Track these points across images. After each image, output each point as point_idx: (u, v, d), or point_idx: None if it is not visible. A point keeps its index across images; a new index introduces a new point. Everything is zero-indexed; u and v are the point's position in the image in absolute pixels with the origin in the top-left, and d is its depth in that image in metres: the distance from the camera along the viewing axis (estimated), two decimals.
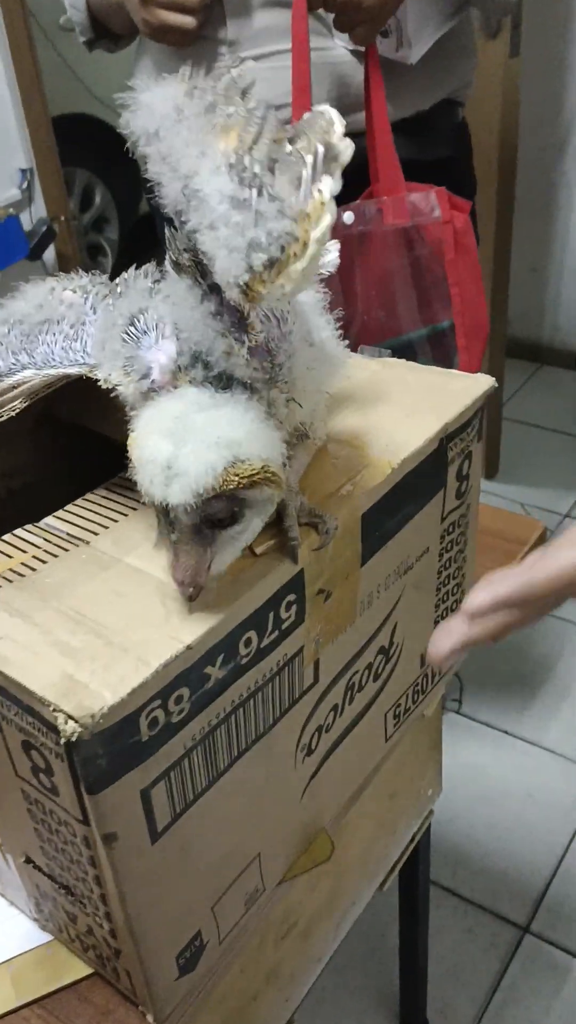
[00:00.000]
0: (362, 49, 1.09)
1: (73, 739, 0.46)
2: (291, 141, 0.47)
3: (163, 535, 0.51)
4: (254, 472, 0.49)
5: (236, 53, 1.11)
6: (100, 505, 0.61)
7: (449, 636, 0.51)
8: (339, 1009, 1.43)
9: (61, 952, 0.67)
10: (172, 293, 0.53)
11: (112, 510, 0.60)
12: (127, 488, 0.60)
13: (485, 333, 1.21)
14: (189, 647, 0.50)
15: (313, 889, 0.79)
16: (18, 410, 0.62)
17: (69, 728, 0.46)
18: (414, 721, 0.83)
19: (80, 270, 0.65)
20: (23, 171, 2.03)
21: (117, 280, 0.60)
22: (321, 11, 1.06)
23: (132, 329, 0.54)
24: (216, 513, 0.49)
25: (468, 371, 1.21)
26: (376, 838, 0.94)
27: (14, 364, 0.61)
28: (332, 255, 0.64)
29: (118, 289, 0.60)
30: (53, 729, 0.47)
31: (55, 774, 0.50)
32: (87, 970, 0.66)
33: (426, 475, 0.66)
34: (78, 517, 0.60)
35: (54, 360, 0.60)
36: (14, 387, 0.63)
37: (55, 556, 0.57)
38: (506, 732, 1.83)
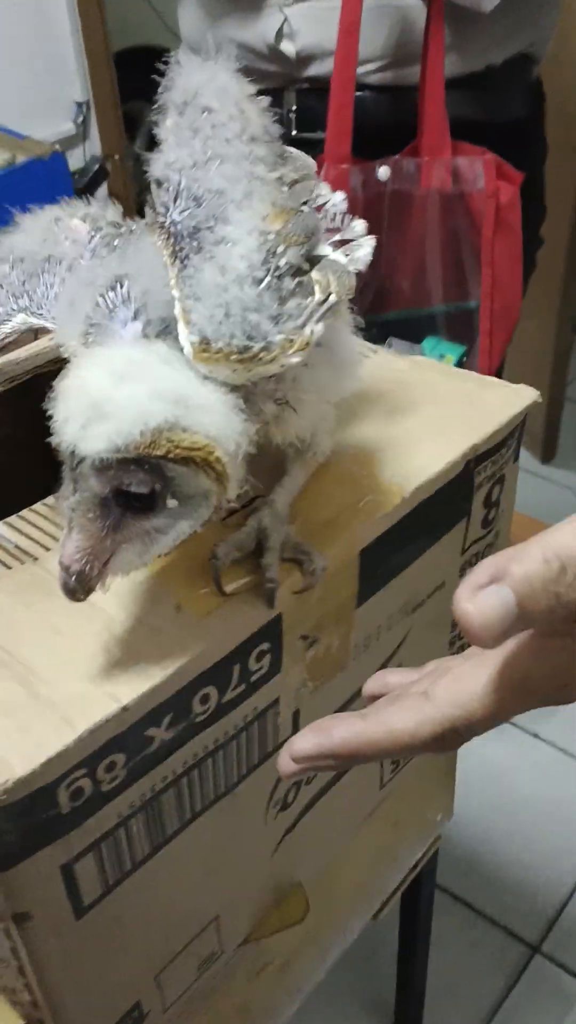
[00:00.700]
0: None
1: None
2: (311, 262, 0.45)
3: (61, 500, 0.42)
4: (194, 446, 0.40)
5: None
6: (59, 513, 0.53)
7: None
8: (329, 1011, 1.37)
9: None
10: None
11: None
12: None
13: (514, 319, 1.10)
14: (125, 708, 0.42)
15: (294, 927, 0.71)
16: None
17: None
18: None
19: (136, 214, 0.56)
20: (79, 104, 1.93)
21: (135, 222, 0.51)
22: None
23: (111, 295, 0.44)
24: (131, 485, 0.40)
25: (488, 358, 1.12)
26: (373, 867, 0.86)
27: (13, 310, 0.52)
28: (365, 250, 0.53)
29: (124, 231, 0.50)
30: None
31: None
32: (21, 1022, 0.59)
33: (445, 503, 0.56)
34: (31, 526, 0.52)
35: (45, 308, 0.50)
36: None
37: None
38: (535, 735, 1.74)
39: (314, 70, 1.04)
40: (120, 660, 0.44)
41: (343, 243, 0.48)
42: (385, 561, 0.54)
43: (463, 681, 0.35)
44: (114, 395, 0.39)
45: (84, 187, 1.92)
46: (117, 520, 0.41)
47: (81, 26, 1.87)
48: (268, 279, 0.42)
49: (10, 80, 1.83)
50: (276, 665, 0.49)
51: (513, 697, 0.34)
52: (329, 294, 0.44)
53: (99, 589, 0.42)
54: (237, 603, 0.46)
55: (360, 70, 1.01)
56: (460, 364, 1.07)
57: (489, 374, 1.08)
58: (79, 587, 0.41)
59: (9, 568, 0.49)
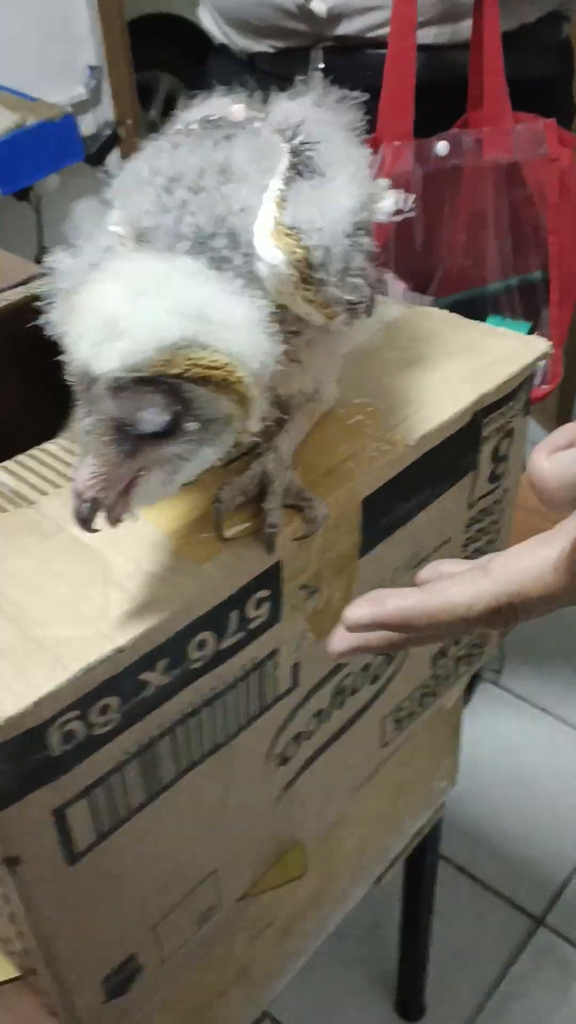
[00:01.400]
0: None
1: None
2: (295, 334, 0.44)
3: (77, 424, 0.39)
4: (214, 365, 0.37)
5: None
6: (57, 458, 0.52)
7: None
8: (332, 980, 1.37)
9: None
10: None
11: (71, 465, 0.51)
12: None
13: None
14: (120, 650, 0.41)
15: (294, 888, 0.71)
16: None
17: None
18: (426, 719, 0.74)
19: None
20: (92, 68, 1.91)
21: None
22: None
23: (166, 196, 0.42)
24: (148, 409, 0.37)
25: (559, 328, 1.08)
26: (375, 834, 0.86)
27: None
28: (388, 201, 0.51)
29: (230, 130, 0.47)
30: None
31: None
32: (15, 972, 0.59)
33: (452, 455, 0.55)
34: (28, 470, 0.51)
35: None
36: None
37: None
38: (545, 710, 1.73)
39: (343, 28, 1.01)
40: (116, 603, 0.43)
41: None
42: (388, 512, 0.53)
43: (524, 560, 0.35)
44: (130, 311, 0.37)
45: (95, 152, 1.90)
46: (134, 445, 0.38)
47: None
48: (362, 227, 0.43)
49: (23, 43, 1.80)
50: (275, 614, 0.48)
51: (573, 580, 0.34)
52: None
53: (126, 519, 0.40)
54: (236, 548, 0.45)
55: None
56: None
57: (559, 346, 1.05)
58: (92, 515, 0.38)
59: (5, 511, 0.48)
